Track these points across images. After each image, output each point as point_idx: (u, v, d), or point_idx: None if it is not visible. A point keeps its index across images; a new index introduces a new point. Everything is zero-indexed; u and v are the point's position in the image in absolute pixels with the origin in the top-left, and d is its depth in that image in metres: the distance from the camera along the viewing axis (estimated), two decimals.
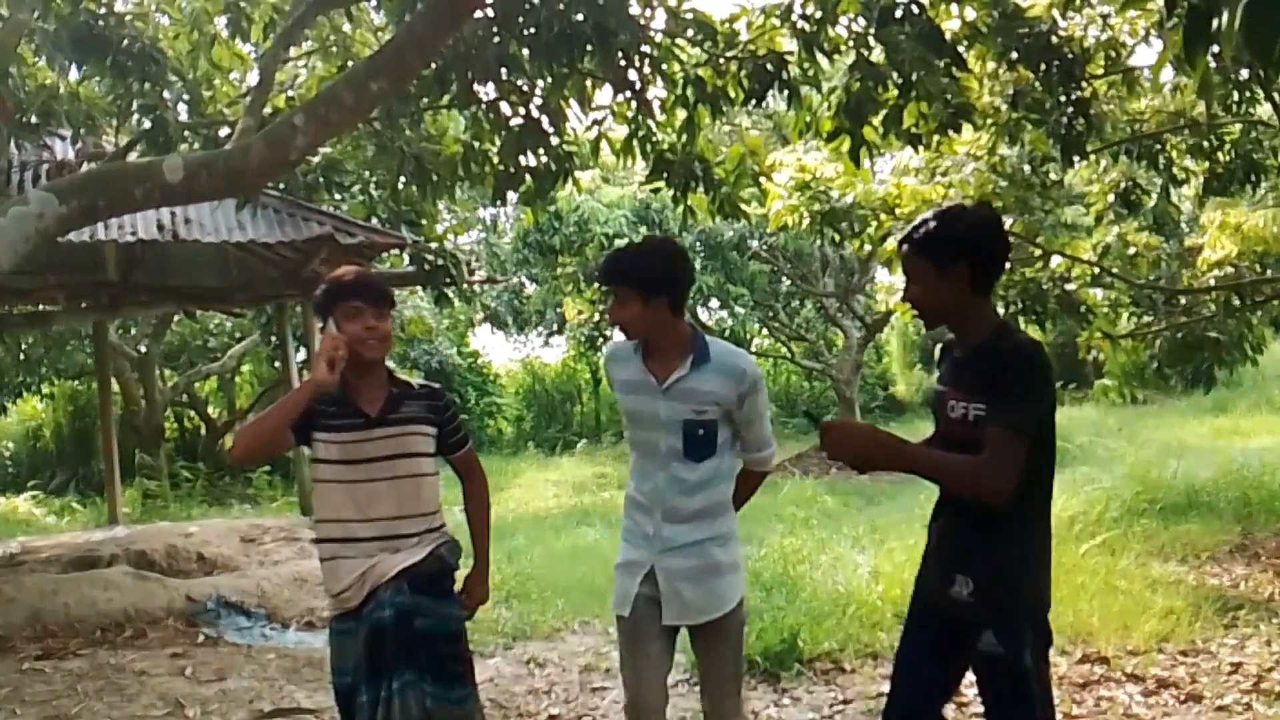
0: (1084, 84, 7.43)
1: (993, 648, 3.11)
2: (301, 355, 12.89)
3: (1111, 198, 10.00)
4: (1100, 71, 7.96)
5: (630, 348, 3.85)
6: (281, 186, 9.03)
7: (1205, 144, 8.90)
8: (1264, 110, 8.60)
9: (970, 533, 3.17)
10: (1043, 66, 7.00)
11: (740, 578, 3.90)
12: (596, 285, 4.56)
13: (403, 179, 7.76)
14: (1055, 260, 9.85)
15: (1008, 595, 3.16)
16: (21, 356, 19.33)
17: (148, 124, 7.35)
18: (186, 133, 7.83)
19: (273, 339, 16.94)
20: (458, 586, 4.04)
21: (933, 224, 3.23)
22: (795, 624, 6.67)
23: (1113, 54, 7.98)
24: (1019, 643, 3.13)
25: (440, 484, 3.96)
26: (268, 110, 7.02)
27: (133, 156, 7.99)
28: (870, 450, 3.12)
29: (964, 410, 3.11)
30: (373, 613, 3.65)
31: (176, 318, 18.24)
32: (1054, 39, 7.01)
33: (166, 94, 7.54)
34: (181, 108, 8.02)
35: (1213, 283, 9.72)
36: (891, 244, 9.30)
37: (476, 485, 4.13)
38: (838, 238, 9.78)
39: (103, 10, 7.12)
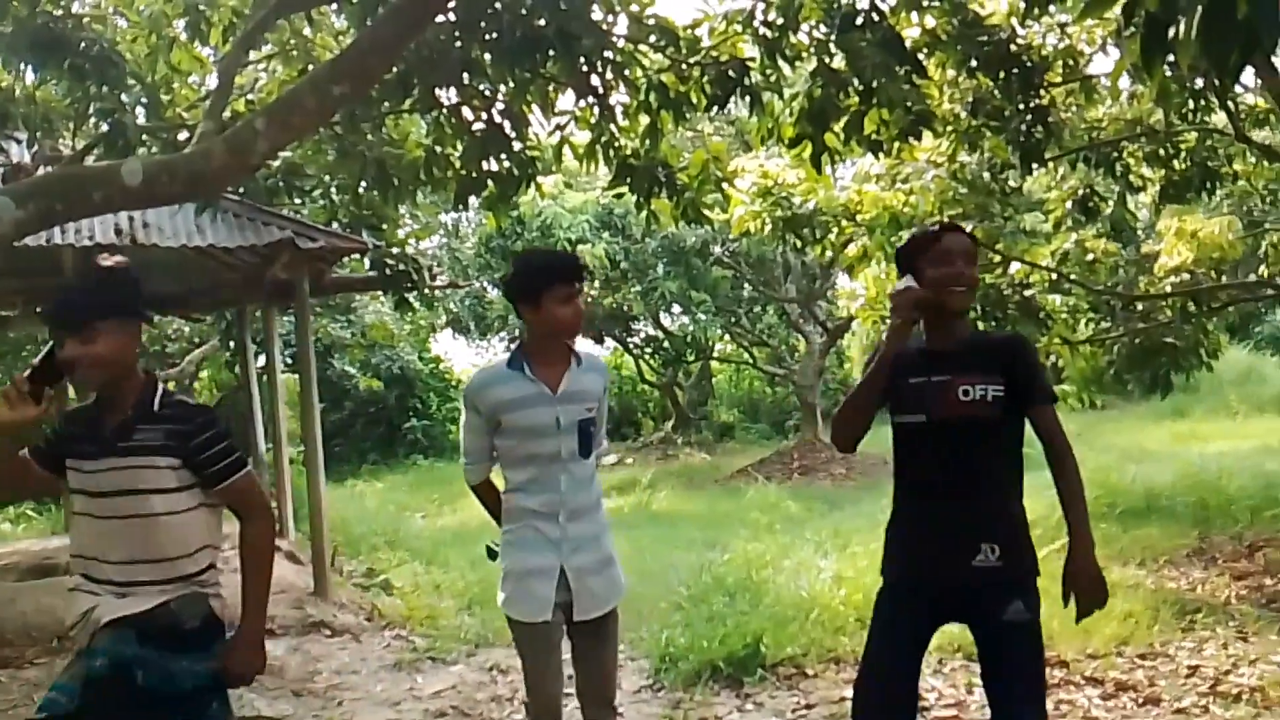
0: (1043, 92, 7.49)
1: (1020, 615, 3.35)
2: (261, 361, 12.78)
3: (1070, 204, 10.08)
4: (1059, 79, 8.03)
5: (505, 369, 3.91)
6: (242, 191, 8.95)
7: (1162, 152, 8.99)
8: (1219, 119, 8.70)
9: (994, 501, 3.43)
10: (1002, 74, 7.05)
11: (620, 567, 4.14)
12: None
13: (364, 183, 7.72)
14: (1015, 266, 9.92)
15: (1027, 554, 3.46)
16: None
17: (106, 127, 7.26)
18: (145, 136, 7.74)
19: (232, 344, 16.80)
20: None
21: (961, 227, 3.64)
22: (759, 629, 6.69)
23: (1071, 62, 8.05)
24: (1038, 603, 3.42)
25: (206, 524, 3.35)
26: (228, 114, 6.96)
27: (91, 160, 7.91)
28: (1099, 576, 3.45)
29: (982, 391, 3.38)
30: (89, 659, 3.21)
31: None
32: (1013, 47, 7.07)
33: (125, 97, 7.45)
34: (140, 111, 7.93)
35: (1170, 289, 9.82)
36: (854, 250, 9.34)
37: (252, 528, 3.38)
38: (800, 244, 9.82)
39: (60, 12, 7.03)
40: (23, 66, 7.33)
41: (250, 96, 8.32)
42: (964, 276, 3.51)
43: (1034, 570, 3.46)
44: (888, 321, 3.66)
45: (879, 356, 3.55)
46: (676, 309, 23.40)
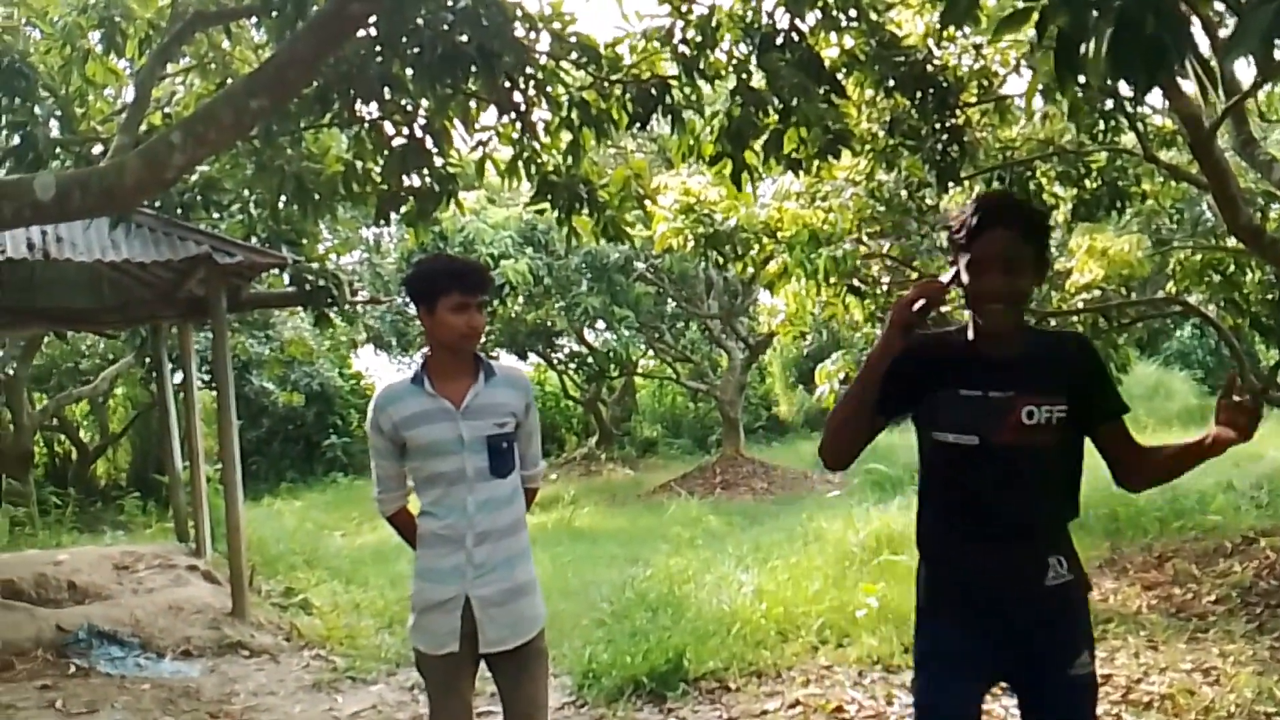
0: (958, 112, 7.62)
1: (1085, 668, 3.07)
2: (178, 378, 12.59)
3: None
4: (974, 100, 8.17)
5: (406, 385, 3.79)
6: (158, 205, 8.83)
7: (1073, 171, 9.16)
8: (1129, 139, 8.90)
9: (1058, 515, 3.09)
10: (918, 94, 7.16)
11: (540, 595, 3.91)
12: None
13: (283, 198, 7.63)
14: None
15: (1079, 563, 3.13)
16: None
17: (17, 140, 7.14)
18: (58, 150, 7.62)
19: (147, 360, 16.51)
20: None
21: (1027, 209, 3.08)
22: (680, 644, 6.73)
23: (985, 83, 8.19)
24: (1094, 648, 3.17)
25: None
26: (144, 128, 6.87)
27: (1, 174, 7.76)
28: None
29: (1047, 415, 2.94)
30: None
31: (46, 339, 17.68)
32: (929, 68, 7.18)
33: (37, 110, 7.31)
34: (53, 124, 7.80)
35: (1081, 305, 10.04)
36: (774, 267, 9.43)
37: None
38: (721, 260, 9.88)
39: None
40: None
41: (167, 110, 8.21)
42: (1001, 293, 2.93)
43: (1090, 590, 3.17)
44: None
45: (867, 362, 3.01)
46: (600, 325, 23.40)
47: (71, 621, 8.22)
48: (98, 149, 7.48)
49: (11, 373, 17.99)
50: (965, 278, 2.95)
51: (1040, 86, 6.60)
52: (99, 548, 11.77)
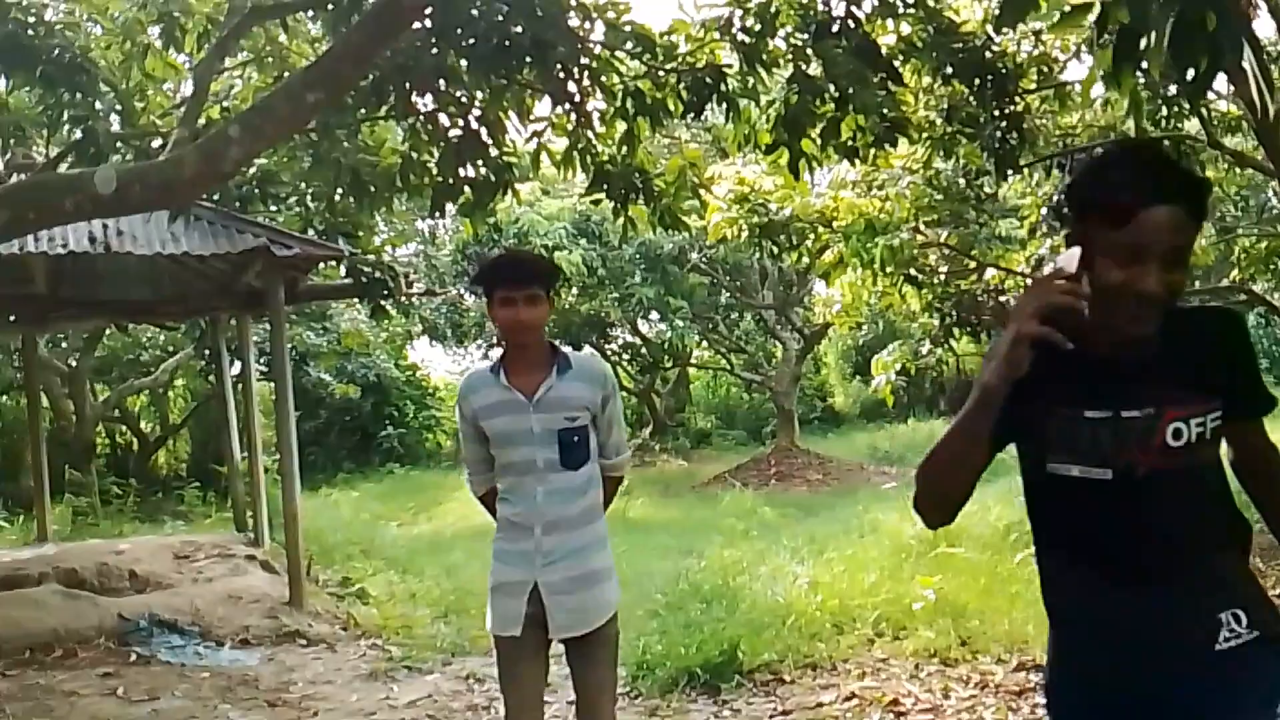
0: (1017, 99, 7.52)
1: None
2: (236, 369, 12.73)
3: (1044, 211, 10.13)
4: (1033, 86, 8.06)
5: (487, 374, 3.86)
6: (216, 198, 8.92)
7: None
8: (1192, 125, 8.76)
9: (1226, 549, 2.29)
10: (976, 81, 7.07)
11: (616, 583, 3.95)
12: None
13: (339, 190, 7.69)
14: (989, 272, 9.96)
15: (1273, 609, 2.28)
16: None
17: (79, 135, 7.23)
18: (118, 144, 7.70)
19: (206, 352, 16.71)
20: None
21: (1192, 178, 2.17)
22: (735, 635, 6.69)
23: (1045, 69, 8.09)
24: None
25: None
26: (202, 121, 6.93)
27: (63, 168, 7.86)
28: None
29: (1200, 426, 2.16)
30: None
31: (108, 331, 17.95)
32: (987, 54, 7.09)
33: (98, 104, 7.41)
34: (113, 118, 7.89)
35: None
36: (830, 256, 9.36)
37: None
38: (776, 250, 9.83)
39: (32, 19, 6.99)
40: None
41: (225, 103, 8.29)
42: (1161, 291, 2.08)
43: None
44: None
45: (981, 389, 2.16)
46: (654, 315, 23.41)
47: (133, 610, 8.33)
48: (157, 143, 7.56)
49: (74, 364, 18.30)
50: (1102, 267, 2.11)
51: (1101, 73, 6.49)
52: (159, 537, 11.94)
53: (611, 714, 3.94)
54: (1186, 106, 7.82)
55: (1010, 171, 7.92)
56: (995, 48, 7.29)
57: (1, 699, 6.75)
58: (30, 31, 6.89)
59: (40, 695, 6.83)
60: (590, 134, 6.87)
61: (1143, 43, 2.91)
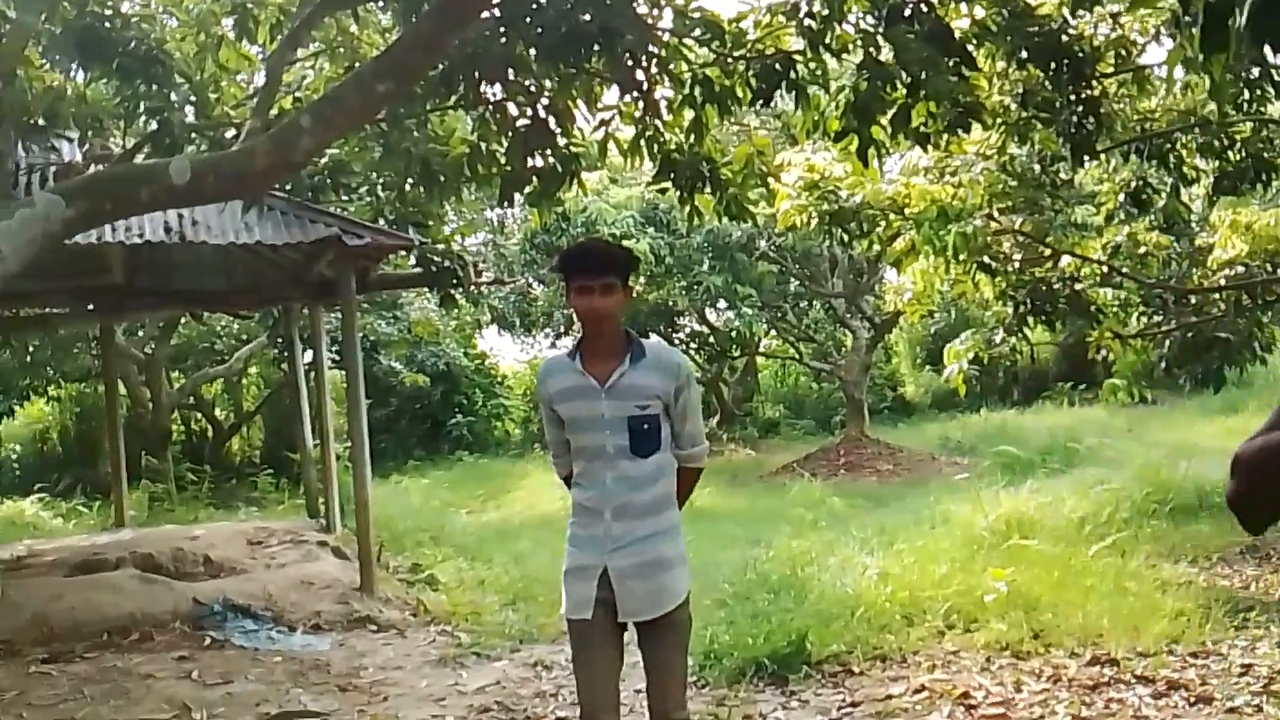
0: (1094, 83, 7.39)
1: None
2: (308, 357, 12.87)
3: (1121, 197, 9.96)
4: (1110, 70, 7.92)
5: (564, 359, 3.94)
6: (288, 188, 9.01)
7: (1216, 143, 8.84)
8: (1275, 108, 8.56)
9: None
10: (1052, 65, 6.95)
11: (687, 570, 3.97)
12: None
13: (409, 180, 7.74)
14: (1065, 260, 9.80)
15: None
16: (28, 359, 19.32)
17: (154, 126, 7.33)
18: (193, 135, 7.81)
19: (279, 341, 16.94)
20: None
21: None
22: (803, 626, 6.66)
23: (1123, 52, 7.94)
24: None
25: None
26: (274, 112, 7.00)
27: (139, 159, 7.98)
28: None
29: None
30: None
31: (183, 320, 18.25)
32: (1064, 38, 6.97)
33: (173, 96, 7.51)
34: (188, 110, 8.01)
35: (1223, 282, 9.68)
36: (901, 244, 9.26)
37: None
38: (846, 238, 9.75)
39: (109, 12, 7.10)
40: (72, 67, 7.41)
41: (297, 94, 8.37)
42: None
43: None
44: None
45: None
46: (721, 304, 23.33)
47: (207, 595, 8.46)
48: (230, 134, 7.65)
49: (150, 353, 18.61)
50: None
51: (1182, 57, 6.35)
52: (233, 523, 12.12)
53: (681, 700, 3.96)
54: (1270, 90, 7.64)
55: (1087, 157, 7.79)
56: (1072, 31, 7.16)
57: (80, 681, 6.89)
58: (107, 25, 7.00)
59: (118, 678, 6.96)
60: (658, 122, 6.84)
61: (1230, 23, 2.82)
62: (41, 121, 7.43)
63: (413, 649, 7.85)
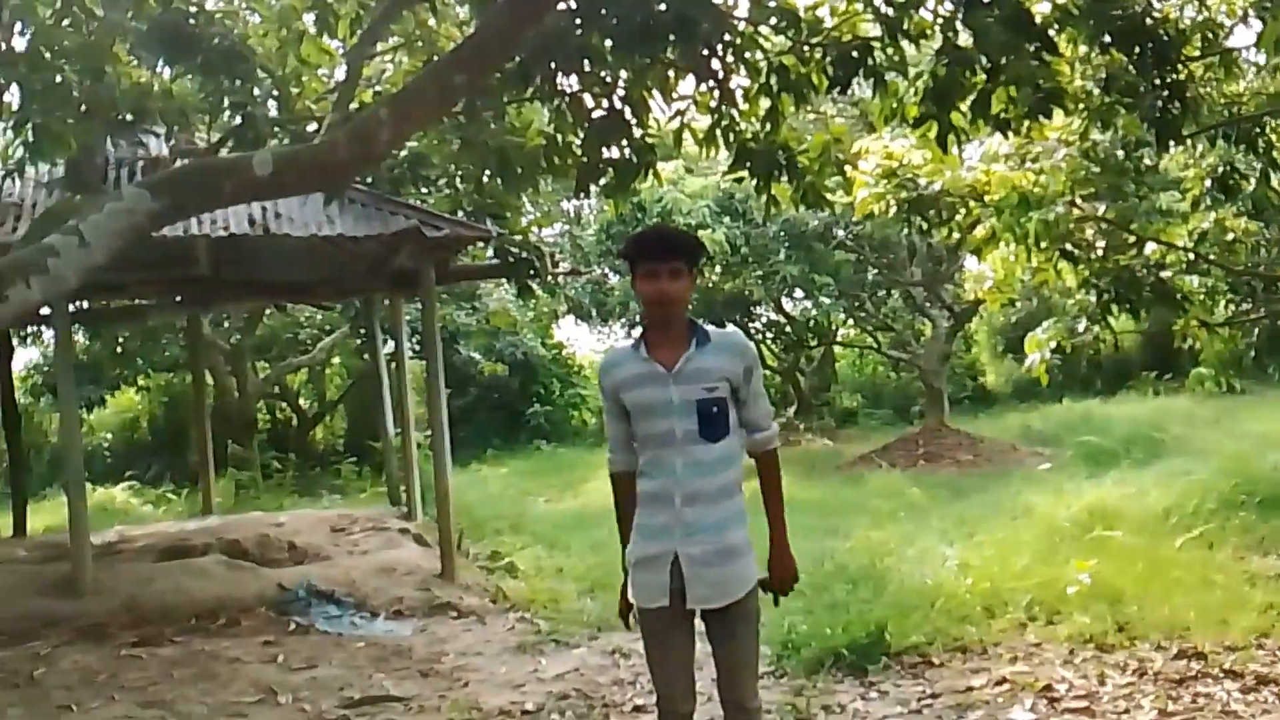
0: (1179, 66, 7.23)
1: None
2: (389, 348, 13.02)
3: (1208, 183, 9.75)
4: (1196, 53, 7.75)
5: (628, 349, 3.96)
6: (368, 181, 9.12)
7: None
8: None
9: None
10: (1136, 49, 6.82)
11: (754, 558, 3.95)
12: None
13: (486, 172, 7.80)
14: (1150, 247, 9.63)
15: None
16: (118, 350, 19.79)
17: (238, 120, 7.46)
18: (275, 129, 7.93)
19: (361, 332, 17.15)
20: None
21: None
22: (882, 617, 6.62)
23: (1210, 35, 7.77)
24: None
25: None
26: (354, 105, 7.09)
27: (224, 153, 8.12)
28: None
29: None
30: None
31: (267, 311, 18.56)
32: (1148, 21, 6.83)
33: (256, 91, 7.63)
34: (271, 104, 8.14)
35: None
36: (981, 231, 9.15)
37: None
38: (925, 226, 9.65)
39: (193, 9, 7.23)
40: (158, 63, 7.55)
41: (376, 87, 8.47)
42: None
43: None
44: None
45: None
46: (798, 293, 23.18)
47: (292, 581, 8.62)
48: (312, 127, 7.76)
49: (236, 343, 18.95)
50: None
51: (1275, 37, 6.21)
52: (317, 510, 12.32)
53: (753, 688, 3.95)
54: None
55: (1172, 143, 7.63)
56: (1156, 14, 7.01)
57: (169, 664, 7.05)
58: (191, 21, 7.13)
59: (205, 661, 7.11)
60: (733, 111, 6.83)
61: None
62: (129, 117, 7.57)
63: (492, 635, 7.93)
